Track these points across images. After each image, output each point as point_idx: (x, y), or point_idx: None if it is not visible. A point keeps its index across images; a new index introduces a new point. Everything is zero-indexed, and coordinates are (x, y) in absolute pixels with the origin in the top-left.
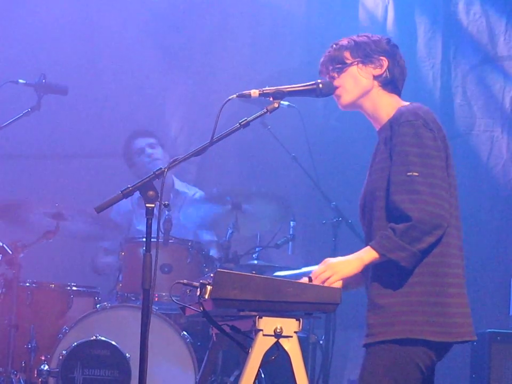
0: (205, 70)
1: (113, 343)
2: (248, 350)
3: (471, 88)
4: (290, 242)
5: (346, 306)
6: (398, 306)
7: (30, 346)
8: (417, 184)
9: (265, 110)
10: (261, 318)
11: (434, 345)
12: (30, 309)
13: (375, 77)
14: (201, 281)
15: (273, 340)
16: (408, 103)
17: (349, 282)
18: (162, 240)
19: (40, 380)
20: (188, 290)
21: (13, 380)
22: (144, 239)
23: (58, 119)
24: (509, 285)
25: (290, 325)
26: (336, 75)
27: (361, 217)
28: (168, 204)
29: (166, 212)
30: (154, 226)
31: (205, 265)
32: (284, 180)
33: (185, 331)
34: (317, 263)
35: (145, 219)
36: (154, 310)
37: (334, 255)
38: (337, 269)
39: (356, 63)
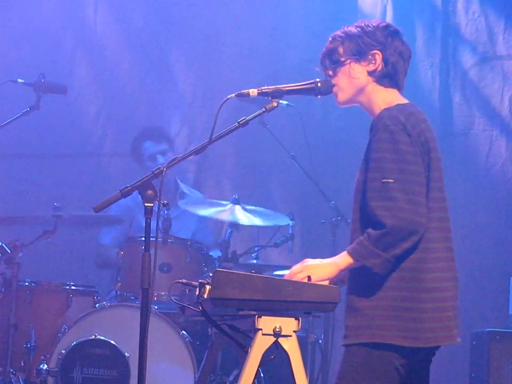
0: (204, 70)
1: (112, 342)
2: (247, 349)
3: (470, 87)
4: (289, 242)
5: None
6: (371, 310)
7: (29, 345)
8: (392, 191)
9: (264, 109)
10: (260, 317)
11: (406, 350)
12: (29, 308)
13: (369, 73)
14: (200, 280)
15: (272, 339)
16: (401, 101)
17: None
18: (161, 240)
19: (39, 379)
20: (187, 290)
21: (12, 380)
22: (143, 238)
23: (58, 119)
24: (508, 284)
25: (289, 324)
26: (331, 73)
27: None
28: (167, 203)
29: (165, 211)
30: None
31: (204, 264)
32: (282, 179)
33: (184, 330)
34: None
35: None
36: (154, 310)
37: (333, 254)
38: (313, 271)
39: (349, 61)
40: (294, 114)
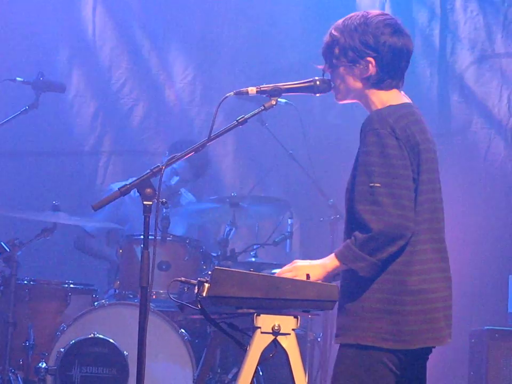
0: (202, 68)
1: (111, 340)
2: (246, 348)
3: (468, 85)
4: (288, 240)
5: None
6: (356, 311)
7: (27, 344)
8: (379, 195)
9: (262, 107)
10: (259, 315)
11: (393, 351)
12: (28, 306)
13: (363, 79)
14: (199, 278)
15: (271, 337)
16: (399, 100)
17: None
18: (160, 238)
19: (38, 377)
20: (185, 288)
21: (11, 378)
22: (141, 237)
23: (56, 117)
24: (507, 282)
25: (288, 323)
26: (328, 69)
27: None
28: (165, 202)
29: (164, 210)
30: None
31: (203, 262)
32: (281, 177)
33: (183, 329)
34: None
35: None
36: (152, 308)
37: (331, 252)
38: (301, 272)
39: (343, 66)
40: (292, 112)
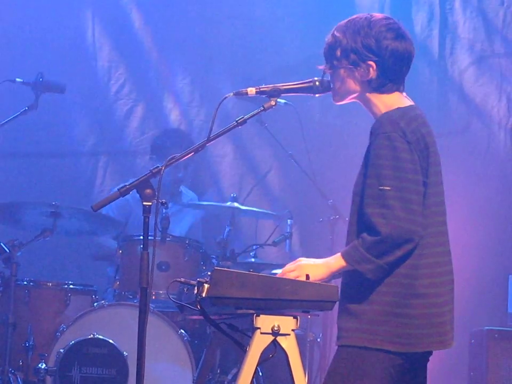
0: (202, 69)
1: (110, 341)
2: (246, 348)
3: (467, 85)
4: (287, 240)
5: None
6: (362, 314)
7: (27, 344)
8: (388, 199)
9: (262, 108)
10: (259, 316)
11: (397, 353)
12: (27, 307)
13: (363, 82)
14: (198, 279)
15: (271, 338)
16: (404, 102)
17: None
18: (159, 238)
19: (37, 378)
20: (185, 289)
21: (11, 379)
22: (141, 237)
23: (56, 118)
24: (507, 283)
25: (287, 323)
26: (328, 70)
27: None
28: (165, 202)
29: (163, 210)
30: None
31: (202, 263)
32: (280, 178)
33: (183, 329)
34: None
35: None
36: (152, 308)
37: (331, 252)
38: (305, 271)
39: (343, 68)
40: (292, 112)
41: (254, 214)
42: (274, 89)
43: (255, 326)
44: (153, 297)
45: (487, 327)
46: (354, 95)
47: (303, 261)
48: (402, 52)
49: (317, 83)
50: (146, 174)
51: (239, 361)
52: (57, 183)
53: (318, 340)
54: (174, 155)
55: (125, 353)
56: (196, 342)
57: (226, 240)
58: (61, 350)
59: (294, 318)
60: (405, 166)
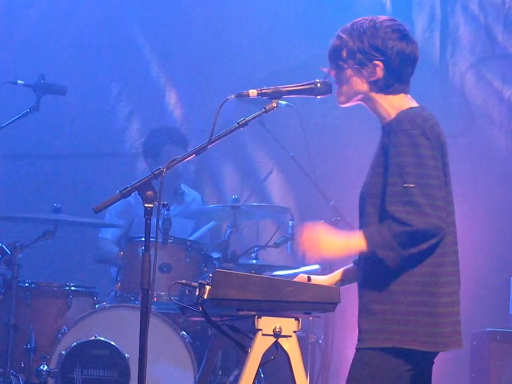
0: (203, 70)
1: (112, 343)
2: (247, 350)
3: (469, 87)
4: (289, 242)
5: (345, 305)
6: (388, 314)
7: (29, 346)
8: (413, 196)
9: (263, 110)
10: (260, 317)
11: (418, 355)
12: (29, 309)
13: (370, 82)
14: (200, 281)
15: (272, 339)
16: (412, 103)
17: (343, 278)
18: (161, 240)
19: (39, 380)
20: (186, 290)
21: (12, 381)
22: (143, 239)
23: (57, 120)
24: (508, 284)
25: (289, 325)
26: (333, 71)
27: (359, 216)
28: (167, 204)
29: (165, 212)
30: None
31: (204, 265)
32: (282, 180)
33: (184, 331)
34: (315, 262)
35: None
36: (153, 310)
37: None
38: (322, 246)
39: (350, 69)
40: (293, 114)
41: (256, 213)
42: (276, 91)
43: (257, 328)
44: (155, 299)
45: (489, 329)
46: (360, 96)
47: (322, 231)
48: (408, 53)
49: (319, 85)
50: (147, 176)
51: (240, 363)
52: (59, 184)
53: (320, 341)
54: (175, 157)
55: (126, 355)
56: (198, 343)
57: (228, 241)
58: (63, 352)
59: (295, 319)
60: (427, 162)
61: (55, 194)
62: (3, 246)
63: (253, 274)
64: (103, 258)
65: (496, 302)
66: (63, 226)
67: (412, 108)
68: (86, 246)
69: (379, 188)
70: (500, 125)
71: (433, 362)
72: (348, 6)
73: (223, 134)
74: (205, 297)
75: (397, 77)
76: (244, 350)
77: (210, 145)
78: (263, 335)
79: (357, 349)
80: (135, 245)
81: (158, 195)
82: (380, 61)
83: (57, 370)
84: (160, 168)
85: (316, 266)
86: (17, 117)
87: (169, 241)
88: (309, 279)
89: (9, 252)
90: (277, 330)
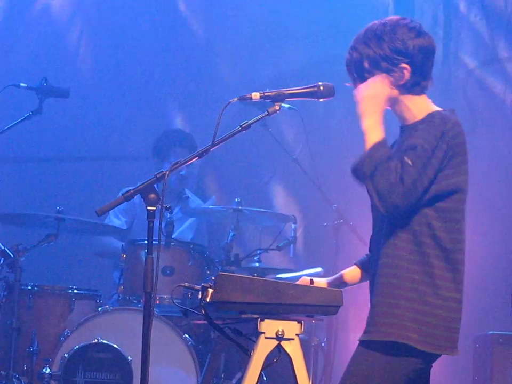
0: (206, 74)
1: (115, 346)
2: (250, 353)
3: (471, 90)
4: (291, 245)
5: (348, 308)
6: (388, 308)
7: (31, 349)
8: (404, 174)
9: (266, 113)
10: (263, 320)
11: (421, 356)
12: (32, 312)
13: (399, 86)
14: (202, 284)
15: (275, 342)
16: (436, 107)
17: (346, 280)
18: (164, 243)
19: (42, 383)
20: (189, 293)
21: None
22: (145, 242)
23: (60, 122)
24: (511, 287)
25: (292, 328)
26: (360, 84)
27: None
28: (169, 207)
29: (168, 215)
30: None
31: (207, 267)
32: (284, 182)
33: (187, 334)
34: (318, 265)
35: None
36: (156, 313)
37: (335, 257)
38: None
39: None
40: (296, 117)
41: (259, 218)
42: (279, 94)
43: (259, 331)
44: (158, 302)
45: (491, 332)
46: (391, 101)
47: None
48: (428, 47)
49: (321, 88)
50: (150, 179)
51: (243, 366)
52: (61, 187)
53: (323, 344)
54: (178, 160)
55: (129, 357)
56: (200, 346)
57: (231, 244)
58: (65, 355)
59: (298, 322)
60: (433, 161)
61: (57, 197)
62: (6, 249)
63: (255, 277)
64: (103, 252)
65: (498, 305)
66: (66, 229)
67: (440, 111)
68: (89, 248)
69: None
70: (502, 129)
71: (431, 366)
72: (350, 10)
73: (225, 136)
74: (208, 300)
75: (422, 74)
76: (246, 353)
77: (213, 148)
78: (265, 338)
79: (359, 341)
80: (137, 248)
81: (161, 198)
82: (405, 63)
83: (60, 373)
84: (163, 171)
85: (319, 269)
86: (20, 119)
87: (172, 244)
88: (312, 282)
89: (11, 255)
90: (280, 333)
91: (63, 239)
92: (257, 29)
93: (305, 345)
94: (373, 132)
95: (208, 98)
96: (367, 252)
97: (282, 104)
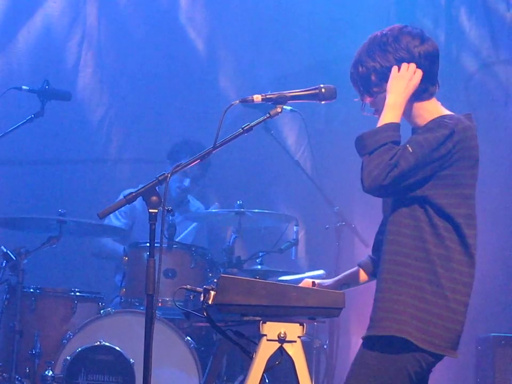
0: (208, 76)
1: (117, 348)
2: (252, 355)
3: (473, 92)
4: (293, 247)
5: (350, 310)
6: (390, 303)
7: (34, 352)
8: (401, 158)
9: (268, 115)
10: (265, 323)
11: (425, 356)
12: (34, 314)
13: None
14: (205, 286)
15: (277, 344)
16: (448, 111)
17: (348, 281)
18: (166, 245)
19: None
20: (191, 296)
21: None
22: (147, 244)
23: (62, 125)
24: None
25: (294, 330)
26: (368, 99)
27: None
28: (171, 209)
29: (170, 217)
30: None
31: (209, 270)
32: (286, 185)
33: (189, 336)
34: (320, 267)
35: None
36: (158, 315)
37: (337, 259)
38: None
39: (385, 89)
40: (297, 119)
41: (261, 219)
42: (280, 96)
43: (262, 333)
44: (160, 305)
45: (494, 334)
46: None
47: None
48: (433, 52)
49: (323, 90)
50: (152, 181)
51: (245, 368)
52: (64, 190)
53: (325, 346)
54: (179, 162)
55: (131, 360)
56: (202, 349)
57: (233, 247)
58: (68, 357)
59: (300, 324)
60: (435, 156)
61: (59, 200)
62: (8, 251)
63: (257, 280)
64: (100, 254)
65: (501, 307)
66: (68, 231)
67: (452, 114)
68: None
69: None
70: (505, 130)
71: (430, 371)
72: (352, 11)
73: (227, 139)
74: (210, 302)
75: (430, 79)
76: (248, 356)
77: (214, 151)
78: (267, 340)
79: (362, 338)
80: (139, 250)
81: (162, 200)
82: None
83: (62, 375)
84: (164, 173)
85: (321, 271)
86: (22, 122)
87: (174, 246)
88: (314, 284)
89: (14, 258)
90: (282, 335)
91: (65, 242)
92: (259, 30)
93: (307, 347)
94: (392, 111)
95: (210, 101)
96: (370, 253)
97: (284, 107)
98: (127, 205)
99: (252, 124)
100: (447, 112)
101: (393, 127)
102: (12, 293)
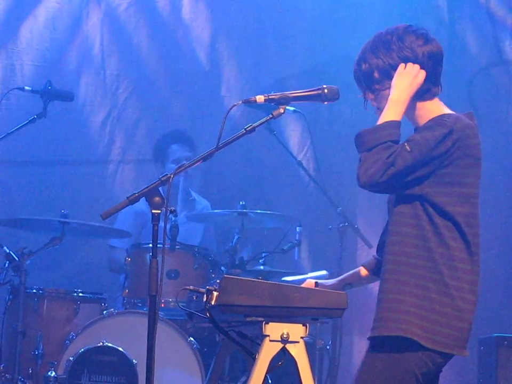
0: (209, 77)
1: (120, 349)
2: (255, 356)
3: (476, 92)
4: (296, 248)
5: (353, 311)
6: (396, 303)
7: (37, 353)
8: (399, 157)
9: (270, 116)
10: (268, 323)
11: (431, 356)
12: (37, 315)
13: None
14: (207, 287)
15: (280, 345)
16: (450, 110)
17: (352, 281)
18: (168, 246)
19: None
20: (194, 296)
21: None
22: (150, 245)
23: (64, 126)
24: None
25: (296, 331)
26: (371, 96)
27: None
28: (174, 210)
29: (173, 218)
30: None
31: (212, 271)
32: (289, 186)
33: (192, 337)
34: (323, 268)
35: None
36: (161, 316)
37: (340, 260)
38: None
39: (387, 87)
40: (300, 120)
41: (264, 220)
42: (283, 97)
43: (264, 334)
44: (163, 305)
45: (496, 334)
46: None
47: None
48: (437, 52)
49: (326, 91)
50: (155, 182)
51: (248, 369)
52: (66, 191)
53: (328, 347)
54: (182, 163)
55: (134, 361)
56: (205, 349)
57: (235, 248)
58: (71, 358)
59: (303, 325)
60: (434, 153)
61: (62, 200)
62: (11, 252)
63: (260, 280)
64: (118, 268)
65: (503, 307)
66: (71, 232)
67: (453, 113)
68: (94, 252)
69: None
70: (507, 132)
71: (440, 370)
72: (355, 12)
73: (230, 140)
74: (213, 303)
75: (432, 79)
76: (251, 356)
77: (217, 151)
78: (270, 341)
79: (368, 338)
80: (142, 251)
81: (165, 201)
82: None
83: (65, 376)
84: (167, 174)
85: (323, 272)
86: (25, 123)
87: (176, 247)
88: (317, 284)
89: (17, 258)
90: (285, 336)
91: (68, 243)
92: (262, 31)
93: (310, 348)
94: (394, 107)
95: (213, 101)
96: (374, 254)
97: (287, 107)
98: (134, 216)
99: (255, 124)
100: (449, 111)
101: (393, 125)
102: (14, 293)
